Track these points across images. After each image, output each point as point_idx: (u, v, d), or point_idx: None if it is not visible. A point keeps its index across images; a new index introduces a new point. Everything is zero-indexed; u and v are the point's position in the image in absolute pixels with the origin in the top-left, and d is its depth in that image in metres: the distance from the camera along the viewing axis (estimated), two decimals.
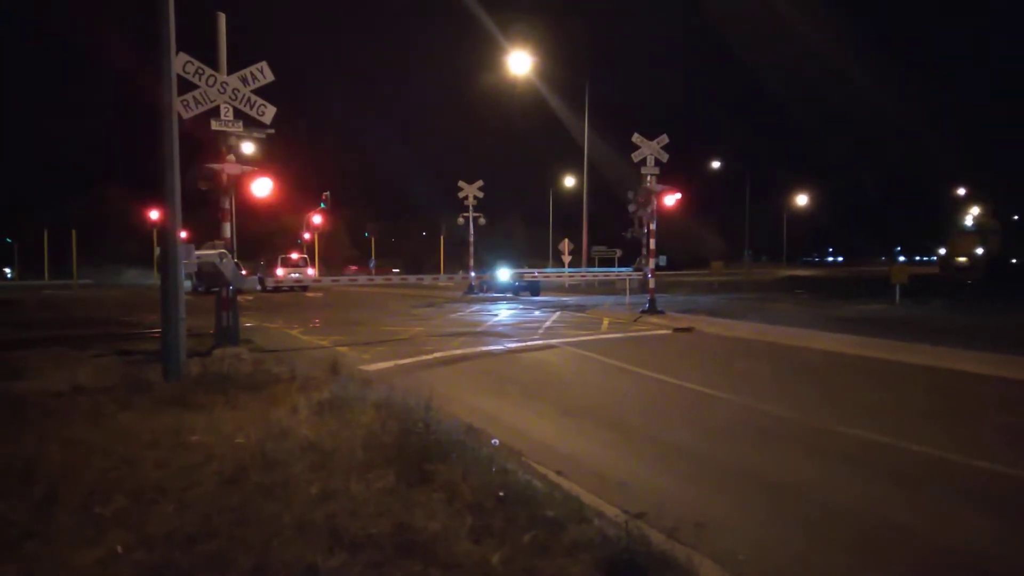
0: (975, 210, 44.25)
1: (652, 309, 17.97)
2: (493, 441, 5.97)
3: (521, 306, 22.32)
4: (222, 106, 10.59)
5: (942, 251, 44.67)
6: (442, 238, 49.52)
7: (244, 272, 11.75)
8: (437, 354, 11.65)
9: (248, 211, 31.31)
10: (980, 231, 40.97)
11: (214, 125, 10.64)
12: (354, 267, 55.17)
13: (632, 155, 18.10)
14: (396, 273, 34.79)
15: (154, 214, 34.49)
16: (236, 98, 10.63)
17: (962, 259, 38.95)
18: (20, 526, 3.84)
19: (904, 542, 4.40)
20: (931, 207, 48.03)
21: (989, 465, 5.77)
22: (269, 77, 10.83)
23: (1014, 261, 39.66)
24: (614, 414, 7.83)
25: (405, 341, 13.49)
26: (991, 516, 4.81)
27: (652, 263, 18.92)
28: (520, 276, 29.54)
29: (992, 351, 10.81)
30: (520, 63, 27.28)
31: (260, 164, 12.02)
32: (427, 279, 34.47)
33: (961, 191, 51.64)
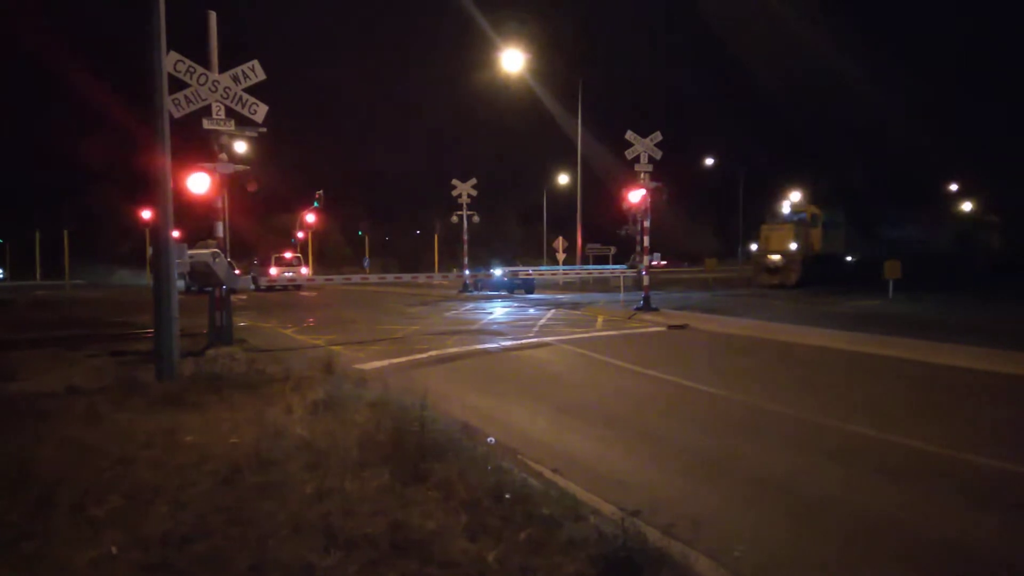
0: (795, 195, 32.61)
1: (647, 306, 18.00)
2: (489, 439, 5.98)
3: (516, 304, 22.34)
4: (214, 105, 10.57)
5: (753, 247, 33.64)
6: (436, 236, 49.48)
7: (237, 271, 11.70)
8: (432, 352, 11.65)
9: (241, 210, 31.29)
10: (798, 222, 30.61)
11: (206, 124, 10.61)
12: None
13: (626, 152, 18.11)
14: (380, 276, 34.57)
15: (146, 214, 34.34)
16: (228, 96, 10.60)
17: (775, 257, 29.84)
18: (16, 527, 3.83)
19: (898, 536, 4.42)
20: (925, 202, 44.09)
21: (981, 459, 5.82)
22: (261, 75, 10.80)
23: (850, 258, 31.91)
24: (609, 411, 7.85)
25: (400, 340, 13.49)
26: (983, 510, 4.84)
27: (646, 260, 18.95)
28: (514, 274, 29.55)
29: (983, 346, 10.87)
30: (513, 61, 27.24)
31: (253, 163, 12.00)
32: (421, 277, 34.47)
33: (954, 186, 51.36)
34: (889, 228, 34.94)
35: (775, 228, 30.98)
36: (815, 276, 29.10)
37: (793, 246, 29.79)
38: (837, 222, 31.89)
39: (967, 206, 46.06)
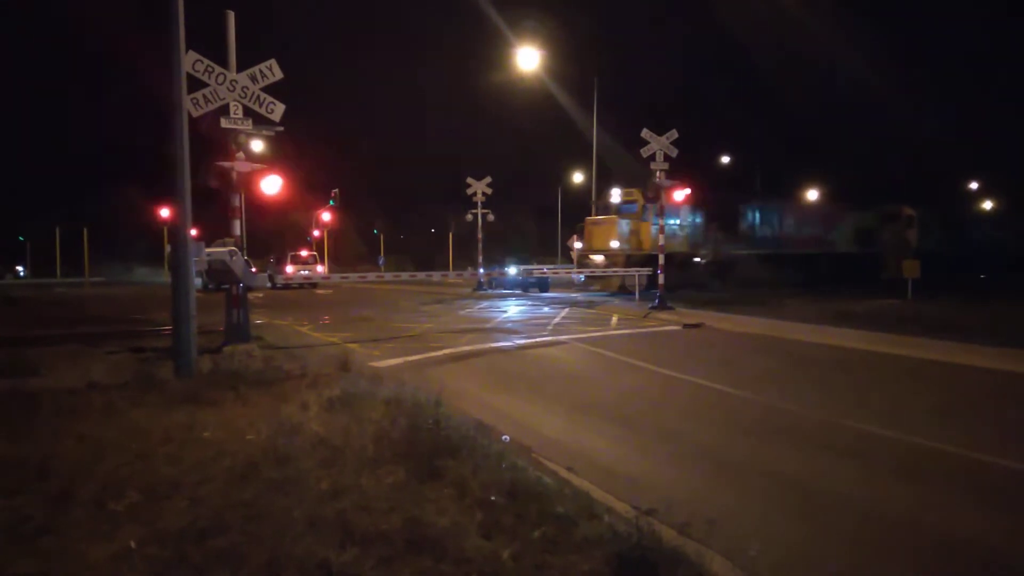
0: (617, 189, 26.80)
1: (662, 305, 17.93)
2: (503, 437, 5.98)
3: (530, 302, 22.32)
4: (231, 104, 10.62)
5: (578, 244, 27.64)
6: (451, 235, 49.57)
7: (254, 269, 11.79)
8: (447, 350, 11.67)
9: (258, 208, 31.49)
10: (627, 214, 25.46)
11: (224, 123, 10.67)
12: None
13: (641, 150, 18.04)
14: (394, 274, 34.42)
15: (165, 212, 34.65)
16: (245, 96, 10.66)
17: (597, 258, 25.22)
18: (36, 521, 3.88)
19: (914, 536, 4.38)
20: (944, 200, 43.13)
21: (999, 460, 5.75)
22: (278, 75, 10.85)
23: (698, 260, 26.42)
24: (624, 410, 7.83)
25: (415, 337, 13.52)
26: (1001, 510, 4.79)
27: (661, 258, 18.89)
28: (529, 272, 29.50)
29: (1001, 347, 10.75)
30: (528, 59, 27.19)
31: (270, 162, 12.06)
32: (436, 276, 34.48)
33: (974, 184, 50.69)
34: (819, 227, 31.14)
35: (599, 222, 25.99)
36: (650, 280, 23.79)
37: (615, 244, 24.75)
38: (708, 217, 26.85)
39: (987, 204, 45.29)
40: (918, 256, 33.19)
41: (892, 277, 32.13)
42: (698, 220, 26.50)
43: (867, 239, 33.04)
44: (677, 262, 24.20)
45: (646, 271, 20.65)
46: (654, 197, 18.55)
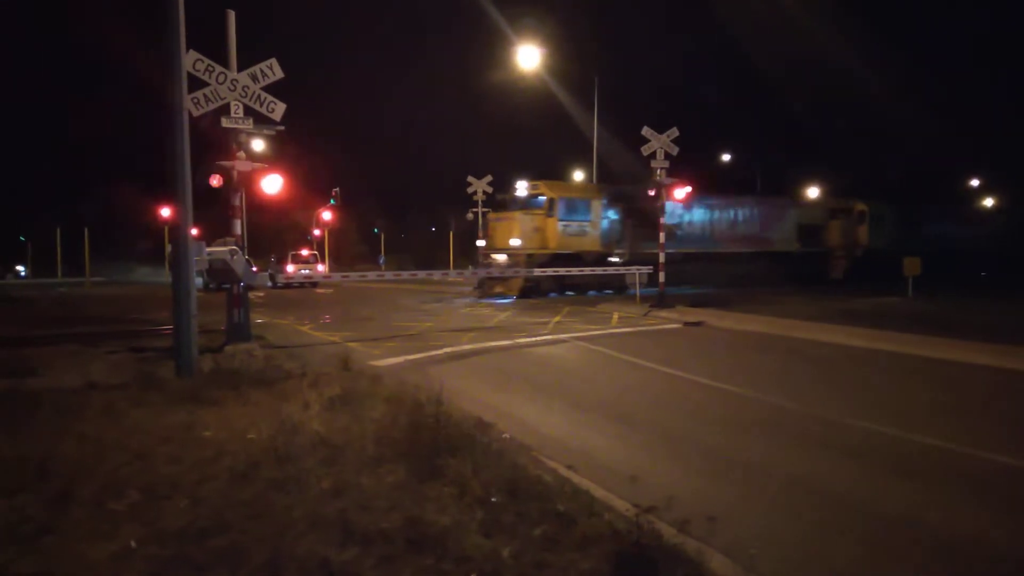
0: (523, 182, 24.09)
1: (662, 303, 17.93)
2: (504, 436, 5.98)
3: (531, 301, 22.31)
4: (232, 103, 10.62)
5: (481, 243, 25.70)
6: (451, 234, 49.51)
7: (255, 269, 11.80)
8: (447, 349, 11.67)
9: (259, 208, 31.47)
10: (533, 209, 23.09)
11: (224, 122, 10.66)
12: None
13: (642, 148, 18.05)
14: (395, 273, 34.19)
15: (166, 212, 34.60)
16: (246, 95, 10.65)
17: (499, 257, 23.07)
18: (36, 521, 3.88)
19: (916, 534, 4.38)
20: (945, 197, 42.56)
21: (1001, 457, 5.75)
22: (279, 74, 10.85)
23: (614, 259, 23.55)
24: (624, 408, 7.83)
25: (415, 336, 13.53)
26: (1003, 508, 4.79)
27: (662, 257, 18.89)
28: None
29: (1004, 343, 10.74)
30: (529, 57, 27.11)
31: (270, 161, 12.06)
32: (437, 275, 34.45)
33: (975, 182, 50.62)
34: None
35: (501, 219, 23.93)
36: (550, 284, 23.01)
37: (515, 242, 22.66)
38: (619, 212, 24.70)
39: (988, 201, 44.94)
40: (868, 254, 31.32)
41: (840, 278, 30.64)
42: (614, 216, 24.54)
43: (813, 237, 30.75)
44: (589, 262, 22.63)
45: (646, 269, 20.34)
46: (655, 196, 18.51)
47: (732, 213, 28.40)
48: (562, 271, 20.77)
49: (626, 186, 24.98)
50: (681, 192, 18.90)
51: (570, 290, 23.81)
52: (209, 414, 6.10)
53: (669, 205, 25.32)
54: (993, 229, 37.64)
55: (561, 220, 23.19)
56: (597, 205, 24.14)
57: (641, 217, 24.20)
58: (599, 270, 21.43)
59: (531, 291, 22.79)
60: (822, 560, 4.05)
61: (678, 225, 26.11)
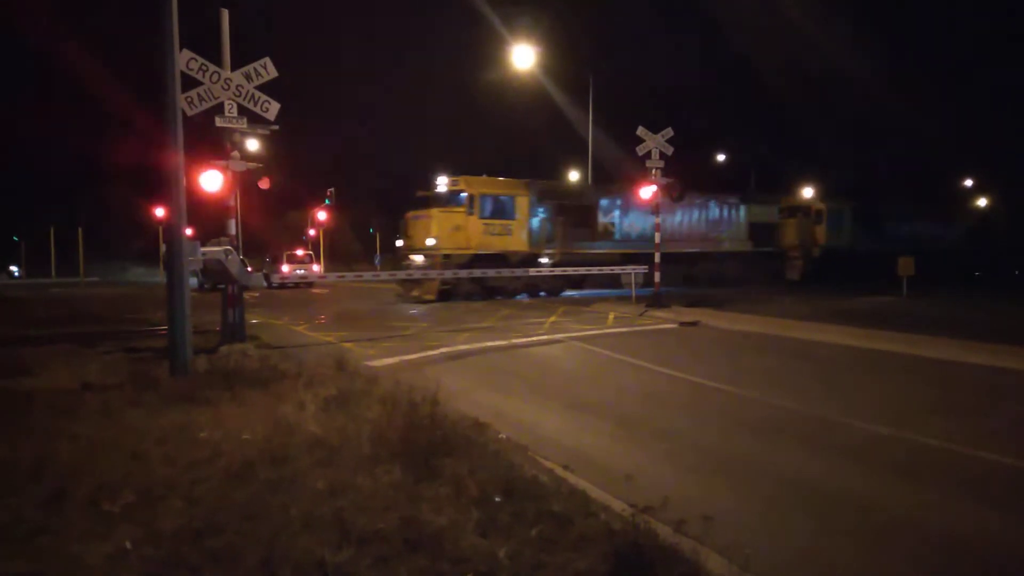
0: (443, 177, 22.53)
1: (658, 303, 17.95)
2: (500, 436, 5.97)
3: (527, 301, 22.31)
4: (226, 103, 10.60)
5: (400, 243, 23.80)
6: None
7: (250, 269, 11.75)
8: (443, 349, 11.66)
9: (254, 208, 31.39)
10: (451, 206, 21.78)
11: (218, 122, 10.65)
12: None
13: (637, 148, 18.08)
14: (391, 273, 34.16)
15: (160, 211, 34.57)
16: (240, 94, 10.63)
17: (416, 258, 21.97)
18: (31, 522, 3.87)
19: (914, 534, 4.39)
20: (938, 197, 42.37)
21: (998, 457, 5.77)
22: (273, 73, 10.83)
23: (544, 260, 22.75)
24: (620, 408, 7.83)
25: (411, 336, 13.51)
26: (1001, 508, 4.80)
27: (658, 256, 18.91)
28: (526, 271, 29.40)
29: (996, 342, 10.79)
30: (523, 57, 27.13)
31: (265, 160, 12.05)
32: (433, 274, 34.41)
33: (968, 182, 50.75)
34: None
35: (418, 216, 22.20)
36: (470, 287, 21.60)
37: (431, 241, 21.17)
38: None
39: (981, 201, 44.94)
40: (827, 254, 30.21)
41: (797, 279, 29.66)
42: (543, 215, 23.26)
43: (766, 236, 29.52)
44: (514, 263, 21.55)
45: (642, 269, 20.25)
46: (654, 196, 18.52)
47: (672, 210, 26.03)
48: (477, 272, 19.54)
49: (556, 182, 24.15)
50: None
51: (498, 294, 22.40)
52: (204, 415, 6.08)
53: (604, 202, 25.06)
54: (969, 227, 37.00)
55: (483, 218, 21.97)
56: (524, 202, 22.77)
57: (574, 215, 23.67)
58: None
59: (449, 294, 21.53)
60: (819, 560, 4.06)
61: (612, 223, 25.12)
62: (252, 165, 11.39)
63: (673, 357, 10.94)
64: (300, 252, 37.61)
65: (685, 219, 26.95)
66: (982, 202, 43.46)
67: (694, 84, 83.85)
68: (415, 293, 22.13)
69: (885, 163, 58.12)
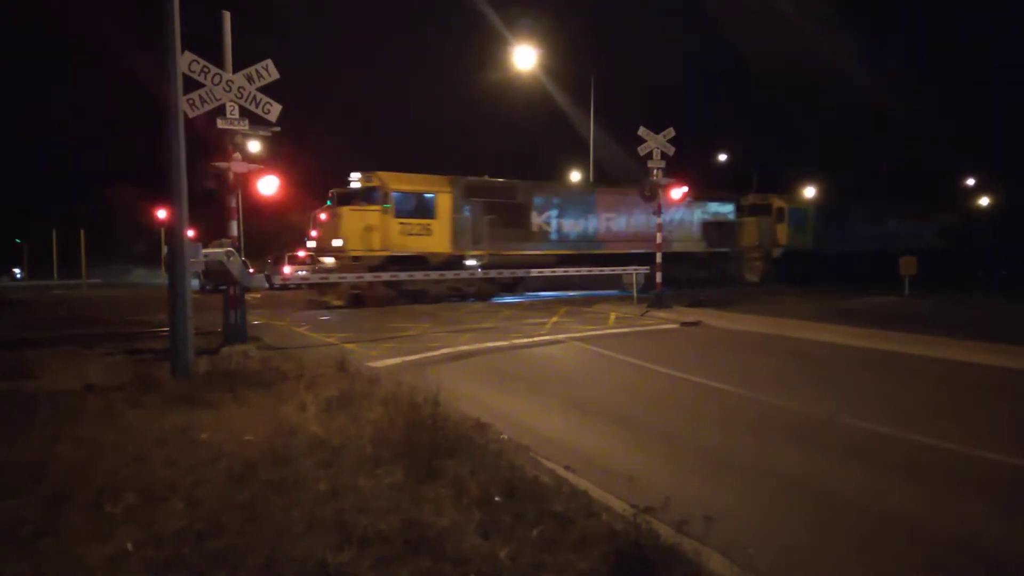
0: (356, 173, 20.85)
1: (659, 303, 17.94)
2: (501, 436, 5.97)
3: (528, 301, 22.30)
4: (228, 104, 10.60)
5: (311, 244, 21.62)
6: None
7: (251, 270, 11.76)
8: (444, 350, 11.66)
9: (255, 209, 31.41)
10: (365, 206, 19.99)
11: (220, 123, 10.65)
12: None
13: (638, 148, 18.07)
14: (391, 273, 34.06)
15: (162, 213, 34.48)
16: (242, 96, 10.64)
17: (327, 260, 20.59)
18: (33, 523, 3.87)
19: (914, 533, 4.39)
20: (940, 196, 42.17)
21: (998, 456, 5.76)
22: (274, 75, 10.84)
23: (471, 263, 21.28)
24: (621, 409, 7.83)
25: (412, 337, 13.51)
26: (1000, 507, 4.79)
27: (659, 256, 18.90)
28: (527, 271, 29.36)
29: (997, 342, 10.78)
30: (525, 57, 27.15)
31: (267, 162, 12.04)
32: (434, 275, 34.37)
33: (971, 181, 50.66)
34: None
35: (328, 214, 20.57)
36: (384, 291, 19.68)
37: (338, 242, 19.51)
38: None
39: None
40: (789, 254, 28.81)
41: (756, 280, 28.59)
42: (468, 214, 21.38)
43: (722, 236, 27.85)
44: (435, 265, 20.07)
45: (643, 269, 20.13)
46: (651, 196, 18.54)
47: (619, 209, 24.73)
48: (389, 276, 18.35)
49: (484, 178, 22.59)
50: (677, 192, 18.86)
51: (421, 299, 20.58)
52: (206, 416, 6.09)
53: (539, 200, 23.31)
54: (944, 226, 35.83)
55: (400, 217, 20.17)
56: (446, 200, 20.92)
57: (504, 215, 22.09)
58: (445, 274, 19.29)
59: (361, 299, 19.81)
60: (820, 558, 4.05)
61: (548, 223, 23.52)
62: (254, 166, 11.38)
63: (675, 357, 10.93)
64: (302, 254, 37.59)
65: (630, 217, 25.05)
66: (965, 201, 43.06)
67: (697, 85, 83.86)
68: (326, 298, 20.93)
69: (874, 162, 58.08)
